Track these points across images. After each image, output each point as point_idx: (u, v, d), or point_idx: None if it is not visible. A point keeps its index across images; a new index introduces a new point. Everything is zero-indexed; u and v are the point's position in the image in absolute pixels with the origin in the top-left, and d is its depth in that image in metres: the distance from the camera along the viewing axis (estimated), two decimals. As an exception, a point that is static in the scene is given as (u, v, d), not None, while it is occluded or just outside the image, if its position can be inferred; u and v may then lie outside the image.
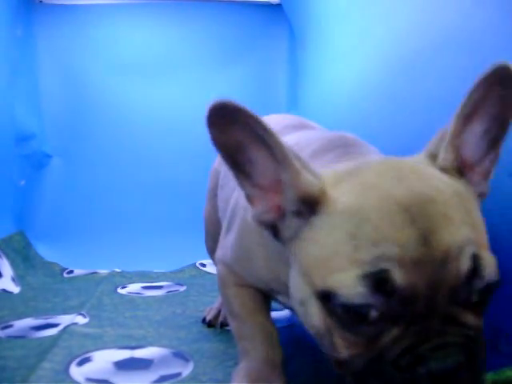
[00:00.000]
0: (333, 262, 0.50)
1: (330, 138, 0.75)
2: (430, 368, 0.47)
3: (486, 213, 0.69)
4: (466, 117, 0.55)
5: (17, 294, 1.46)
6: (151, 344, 1.03)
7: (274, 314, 0.85)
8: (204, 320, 1.17)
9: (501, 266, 0.61)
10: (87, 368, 0.90)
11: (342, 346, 0.52)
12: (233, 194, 0.86)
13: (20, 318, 1.23)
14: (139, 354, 0.98)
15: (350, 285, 0.47)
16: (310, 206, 0.53)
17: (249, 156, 0.55)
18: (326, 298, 0.50)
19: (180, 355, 0.97)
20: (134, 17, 2.09)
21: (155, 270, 1.77)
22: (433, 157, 0.57)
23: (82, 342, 1.03)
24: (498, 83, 0.53)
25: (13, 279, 1.53)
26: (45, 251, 1.88)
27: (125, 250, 1.91)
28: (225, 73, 2.12)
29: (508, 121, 0.56)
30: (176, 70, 2.10)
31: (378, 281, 0.47)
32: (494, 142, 0.57)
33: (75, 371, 0.88)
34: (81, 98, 2.05)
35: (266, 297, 0.81)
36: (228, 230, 0.83)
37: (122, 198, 2.05)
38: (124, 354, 0.97)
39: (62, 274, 1.77)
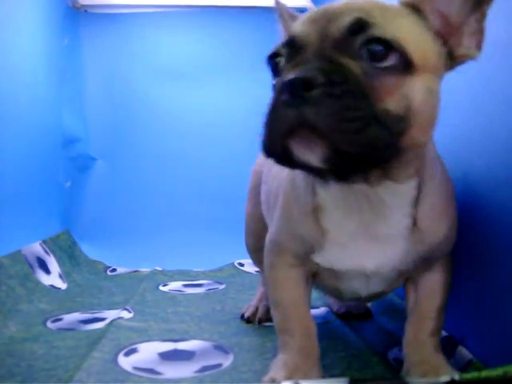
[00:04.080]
0: None
1: None
2: (291, 79, 0.54)
3: (494, 218, 0.72)
4: None
5: (64, 290, 1.53)
6: (193, 337, 1.08)
7: (312, 312, 0.89)
8: (243, 316, 1.21)
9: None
10: (134, 358, 0.96)
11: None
12: (274, 182, 0.91)
13: (68, 312, 1.30)
14: (182, 346, 1.03)
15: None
16: None
17: None
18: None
19: (220, 348, 1.02)
20: (173, 25, 2.15)
21: (195, 269, 1.82)
22: None
23: (128, 334, 1.09)
24: None
25: (60, 276, 1.61)
26: (89, 250, 1.95)
27: (165, 250, 1.96)
28: (261, 77, 2.15)
29: None
30: (214, 75, 2.14)
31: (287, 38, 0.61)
32: (477, 2, 0.62)
33: (123, 360, 0.94)
34: (124, 103, 2.12)
35: (307, 286, 0.83)
36: (274, 210, 0.87)
37: (162, 200, 2.11)
38: (168, 346, 1.03)
39: (105, 271, 1.83)
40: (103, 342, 1.03)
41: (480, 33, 0.64)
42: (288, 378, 0.74)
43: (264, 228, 0.97)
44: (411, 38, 0.59)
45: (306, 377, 0.76)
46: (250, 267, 1.77)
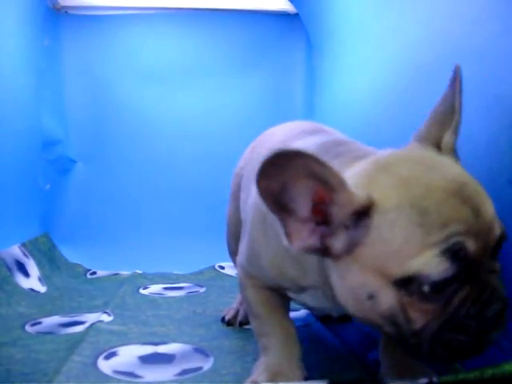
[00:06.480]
0: (406, 250, 0.55)
1: (324, 141, 0.80)
2: (495, 310, 0.57)
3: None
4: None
5: (43, 294, 1.51)
6: (173, 340, 1.08)
7: (292, 314, 0.89)
8: (223, 319, 1.21)
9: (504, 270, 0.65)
10: (114, 361, 0.95)
11: (418, 318, 0.57)
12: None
13: (48, 315, 1.29)
14: (162, 349, 1.03)
15: (433, 263, 0.54)
16: (361, 215, 0.57)
17: (291, 193, 0.57)
18: (406, 282, 0.56)
19: (201, 351, 1.02)
20: (155, 26, 2.14)
21: (175, 272, 1.81)
22: (425, 140, 0.68)
23: (108, 338, 1.08)
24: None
25: (39, 279, 1.59)
26: (69, 253, 1.93)
27: (146, 253, 1.95)
28: (243, 81, 2.17)
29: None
30: (196, 78, 2.14)
31: (455, 252, 0.54)
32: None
33: (103, 364, 0.93)
34: (104, 105, 2.11)
35: (283, 298, 0.85)
36: (243, 234, 0.88)
37: (143, 202, 2.10)
38: (148, 349, 1.02)
39: (85, 274, 1.82)
40: (83, 345, 1.02)
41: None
42: (270, 380, 0.74)
43: None
44: None
45: (288, 379, 0.76)
46: (230, 270, 1.77)
